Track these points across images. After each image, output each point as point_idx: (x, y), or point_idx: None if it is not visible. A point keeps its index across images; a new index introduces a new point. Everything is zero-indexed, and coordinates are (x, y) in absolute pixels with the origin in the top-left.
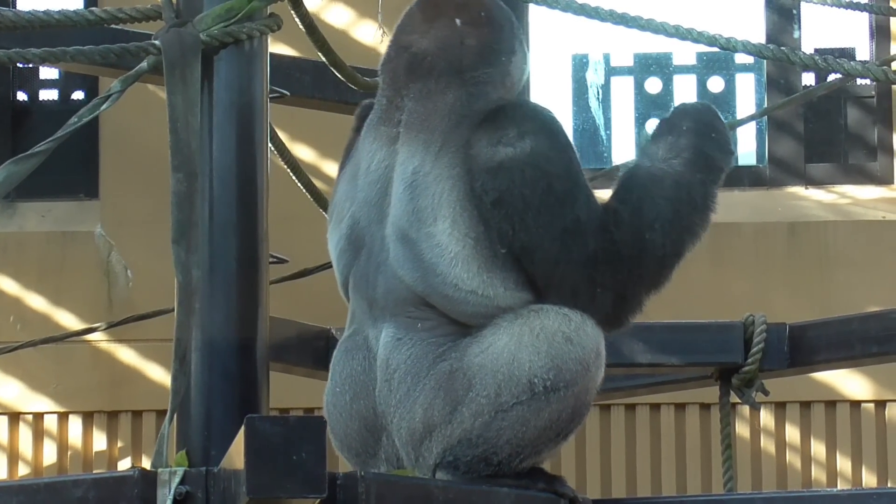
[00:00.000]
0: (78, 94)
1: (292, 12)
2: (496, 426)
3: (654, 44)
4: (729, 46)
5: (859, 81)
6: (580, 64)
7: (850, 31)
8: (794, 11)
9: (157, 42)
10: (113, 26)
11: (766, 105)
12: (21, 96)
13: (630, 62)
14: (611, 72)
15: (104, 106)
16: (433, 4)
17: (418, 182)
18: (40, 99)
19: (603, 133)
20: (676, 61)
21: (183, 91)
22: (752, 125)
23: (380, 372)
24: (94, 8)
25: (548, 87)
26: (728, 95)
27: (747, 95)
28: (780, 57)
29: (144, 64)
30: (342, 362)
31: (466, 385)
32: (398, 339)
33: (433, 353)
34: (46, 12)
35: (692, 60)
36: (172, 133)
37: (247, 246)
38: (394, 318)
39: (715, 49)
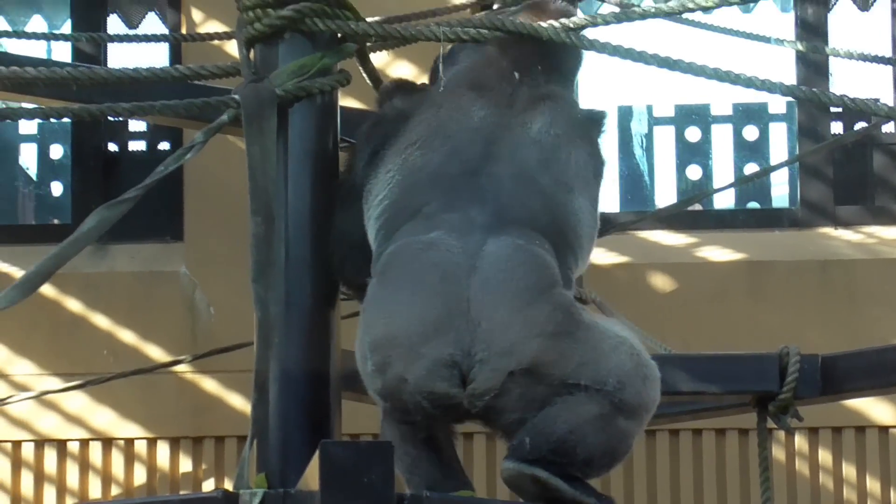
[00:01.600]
0: (164, 145)
1: (360, 68)
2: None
3: (694, 95)
4: (765, 87)
5: (884, 129)
6: (625, 114)
7: (875, 84)
8: (823, 65)
9: (236, 96)
10: (196, 82)
11: (797, 152)
12: (112, 147)
13: (671, 112)
14: (653, 122)
15: (188, 156)
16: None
17: (546, 140)
18: (129, 149)
19: (647, 178)
20: (714, 111)
21: (260, 141)
22: (786, 170)
23: (488, 263)
24: (178, 65)
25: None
26: (762, 143)
27: (780, 143)
28: (811, 98)
29: (225, 116)
30: (423, 253)
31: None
32: (518, 244)
33: (551, 276)
34: (136, 70)
35: (728, 111)
36: (251, 180)
37: (320, 284)
38: (508, 232)
39: (751, 98)
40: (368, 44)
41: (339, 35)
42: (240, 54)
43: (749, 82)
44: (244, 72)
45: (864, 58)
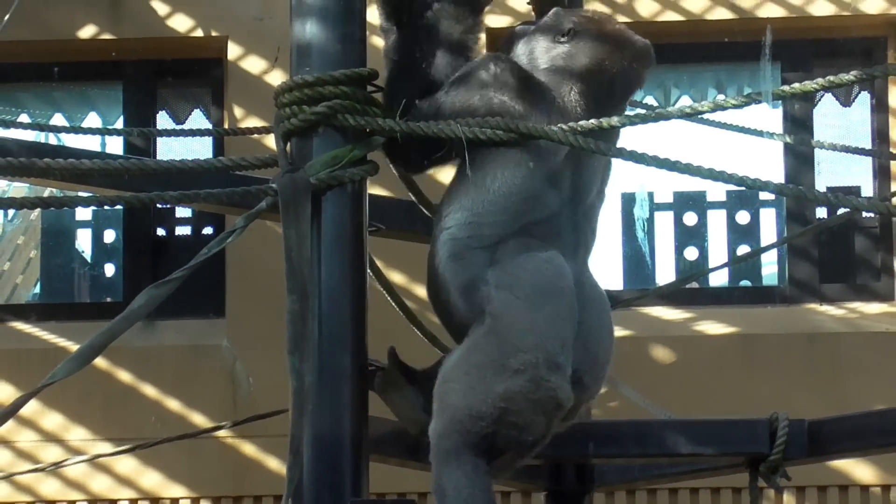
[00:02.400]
0: (208, 230)
1: (387, 159)
2: None
3: (691, 183)
4: (756, 186)
5: (865, 214)
6: (628, 200)
7: (857, 172)
8: (809, 155)
9: (274, 185)
10: (237, 172)
11: (786, 234)
12: (160, 231)
13: (670, 199)
14: (654, 207)
15: (230, 239)
16: None
17: (595, 166)
18: (176, 234)
19: (648, 259)
20: (709, 198)
21: (296, 226)
22: (775, 251)
23: (591, 294)
24: (221, 157)
25: (601, 220)
26: (753, 227)
27: (770, 226)
28: (798, 195)
29: (264, 204)
30: (552, 274)
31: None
32: (593, 275)
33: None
34: (182, 161)
35: (722, 197)
36: (287, 261)
37: (350, 356)
38: (585, 262)
39: (743, 188)
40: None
41: (368, 129)
42: (277, 147)
43: (741, 181)
44: (281, 163)
45: (847, 149)
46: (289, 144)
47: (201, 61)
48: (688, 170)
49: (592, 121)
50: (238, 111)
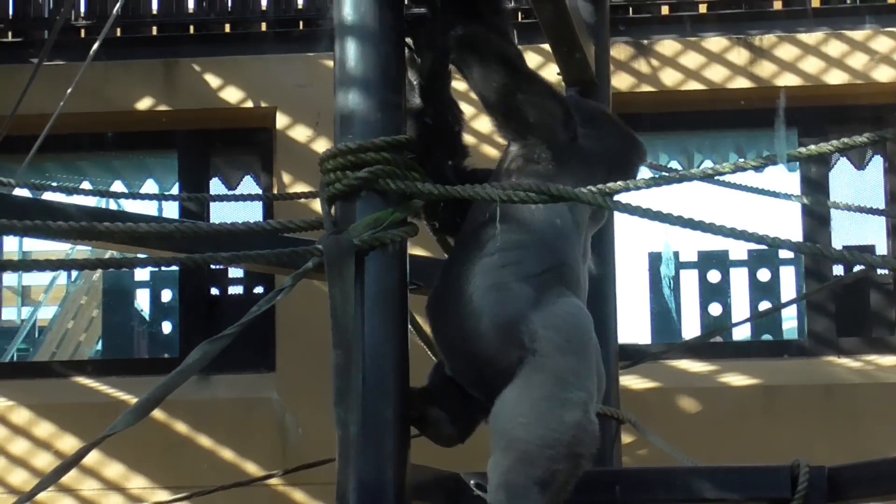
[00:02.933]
0: (258, 289)
1: (425, 222)
2: None
3: (714, 243)
4: (776, 244)
5: (879, 271)
6: (655, 259)
7: (872, 231)
8: (826, 215)
9: (319, 246)
10: (285, 234)
11: (804, 291)
12: (214, 291)
13: (695, 258)
14: (679, 266)
15: (279, 297)
16: None
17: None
18: (229, 293)
19: (674, 314)
20: (732, 256)
21: (341, 285)
22: (794, 307)
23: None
24: (270, 220)
25: (630, 278)
26: (774, 283)
27: (789, 283)
28: (816, 253)
29: (310, 264)
30: (587, 322)
31: None
32: None
33: None
34: (233, 224)
35: (744, 256)
36: (333, 317)
37: (392, 407)
38: None
39: (763, 246)
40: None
41: (408, 193)
42: (322, 210)
43: (761, 239)
44: (326, 225)
45: (861, 209)
46: (333, 207)
47: (251, 130)
48: (711, 229)
49: (620, 183)
50: (286, 177)
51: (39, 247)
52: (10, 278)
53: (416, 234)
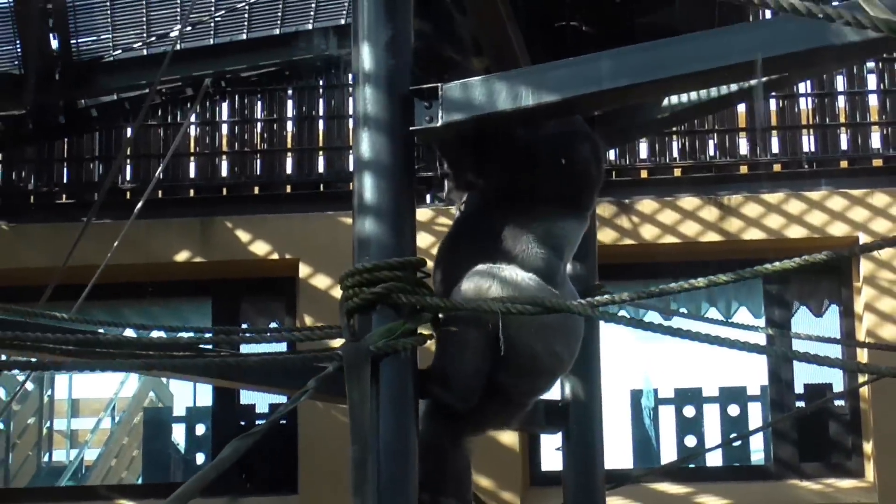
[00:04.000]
0: (282, 422)
1: (432, 329)
2: None
3: (689, 380)
4: (746, 349)
5: (837, 403)
6: (636, 395)
7: (829, 371)
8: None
9: (339, 352)
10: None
11: (770, 420)
12: (242, 423)
13: (672, 394)
14: (658, 401)
15: (303, 398)
16: None
17: None
18: (256, 424)
19: (654, 444)
20: (705, 394)
21: (358, 387)
22: (761, 436)
23: None
24: (293, 328)
25: (614, 411)
26: (743, 417)
27: (756, 416)
28: (780, 355)
29: (331, 367)
30: None
31: None
32: None
33: None
34: (260, 328)
35: (716, 393)
36: (351, 417)
37: (405, 496)
38: None
39: (733, 383)
40: None
41: (418, 306)
42: (341, 321)
43: (732, 344)
44: (345, 335)
45: (826, 363)
46: (351, 320)
47: (277, 280)
48: (688, 335)
49: (607, 296)
50: (308, 320)
51: (86, 394)
52: (60, 423)
53: (426, 342)
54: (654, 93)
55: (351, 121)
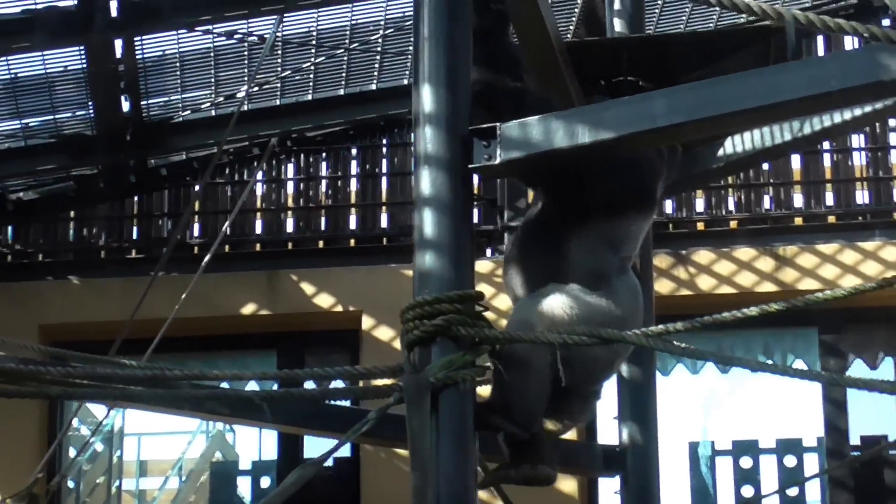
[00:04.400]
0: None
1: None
2: None
3: (746, 433)
4: (798, 375)
5: (892, 452)
6: (694, 447)
7: (886, 421)
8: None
9: (400, 383)
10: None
11: (827, 473)
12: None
13: (729, 446)
14: (716, 452)
15: (364, 428)
16: None
17: None
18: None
19: (711, 493)
20: (762, 445)
21: (419, 417)
22: (818, 485)
23: None
24: (357, 366)
25: (672, 462)
26: (799, 467)
27: (813, 467)
28: (833, 381)
29: (392, 399)
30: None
31: None
32: None
33: None
34: (324, 369)
35: (773, 444)
36: (411, 445)
37: None
38: None
39: (789, 434)
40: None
41: (477, 339)
42: (402, 354)
43: (786, 371)
44: (406, 367)
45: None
46: (412, 353)
47: (341, 332)
48: (741, 363)
49: (661, 326)
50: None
51: (154, 455)
52: (128, 483)
53: (485, 375)
54: (708, 130)
55: (413, 178)
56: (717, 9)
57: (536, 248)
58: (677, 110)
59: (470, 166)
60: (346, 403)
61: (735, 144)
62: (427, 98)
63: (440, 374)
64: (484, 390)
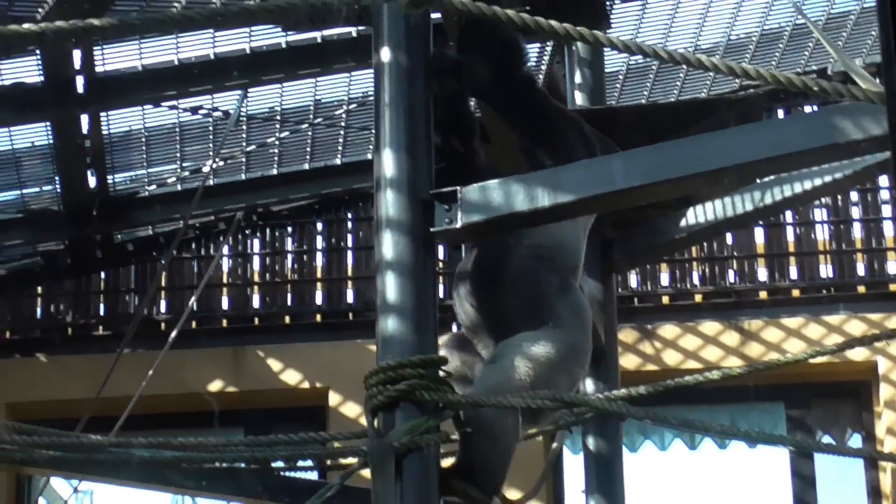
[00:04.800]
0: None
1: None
2: None
3: None
4: (766, 440)
5: None
6: None
7: (853, 496)
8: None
9: (365, 448)
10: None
11: None
12: None
13: None
14: None
15: (328, 493)
16: None
17: None
18: None
19: None
20: None
21: (383, 481)
22: None
23: None
24: (321, 432)
25: None
26: None
27: None
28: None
29: (356, 464)
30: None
31: None
32: None
33: None
34: (290, 436)
35: None
36: None
37: None
38: None
39: None
40: None
41: (440, 404)
42: (367, 419)
43: (747, 435)
44: (370, 432)
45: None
46: (376, 417)
47: (308, 408)
48: (704, 427)
49: (623, 390)
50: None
51: None
52: None
53: (448, 440)
54: (667, 192)
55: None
56: (680, 79)
57: (477, 270)
58: (636, 173)
59: (431, 230)
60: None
61: (697, 215)
62: (388, 162)
63: (404, 438)
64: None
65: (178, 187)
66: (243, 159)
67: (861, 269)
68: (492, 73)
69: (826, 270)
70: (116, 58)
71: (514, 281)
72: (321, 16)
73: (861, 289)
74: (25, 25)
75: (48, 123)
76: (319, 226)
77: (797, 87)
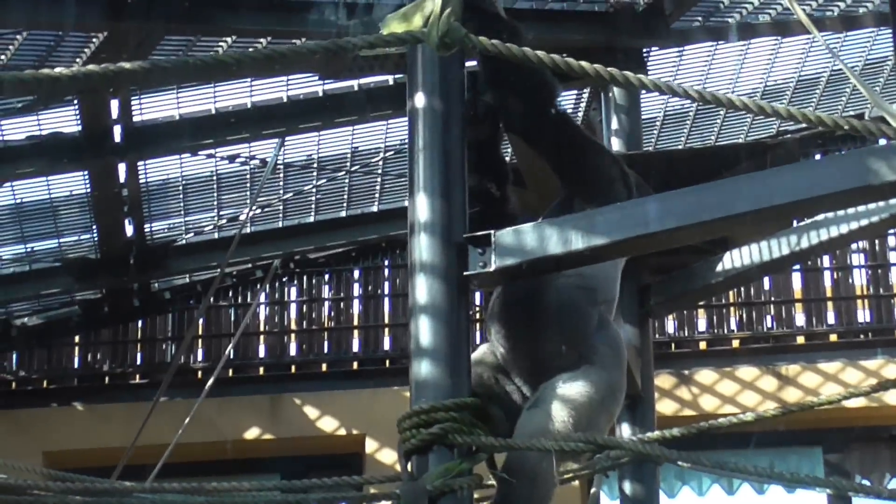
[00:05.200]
0: None
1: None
2: None
3: None
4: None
5: None
6: None
7: None
8: None
9: (398, 492)
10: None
11: None
12: None
13: None
14: None
15: None
16: None
17: None
18: None
19: None
20: None
21: None
22: None
23: None
24: (356, 476)
25: None
26: None
27: None
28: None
29: None
30: None
31: None
32: None
33: None
34: (323, 480)
35: None
36: None
37: None
38: None
39: None
40: None
41: (474, 447)
42: (400, 463)
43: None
44: (404, 475)
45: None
46: (409, 461)
47: (344, 455)
48: (739, 470)
49: (657, 433)
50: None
51: None
52: None
53: (482, 483)
54: (701, 235)
55: (408, 287)
56: (717, 125)
57: (514, 299)
58: (670, 215)
59: (465, 273)
60: None
61: (734, 259)
62: (422, 207)
63: (437, 482)
64: None
65: (216, 235)
66: (280, 207)
67: None
68: (526, 110)
69: (864, 315)
70: (154, 107)
71: (553, 311)
72: (369, 63)
73: None
74: (58, 70)
75: (86, 172)
76: (356, 273)
77: (836, 128)
